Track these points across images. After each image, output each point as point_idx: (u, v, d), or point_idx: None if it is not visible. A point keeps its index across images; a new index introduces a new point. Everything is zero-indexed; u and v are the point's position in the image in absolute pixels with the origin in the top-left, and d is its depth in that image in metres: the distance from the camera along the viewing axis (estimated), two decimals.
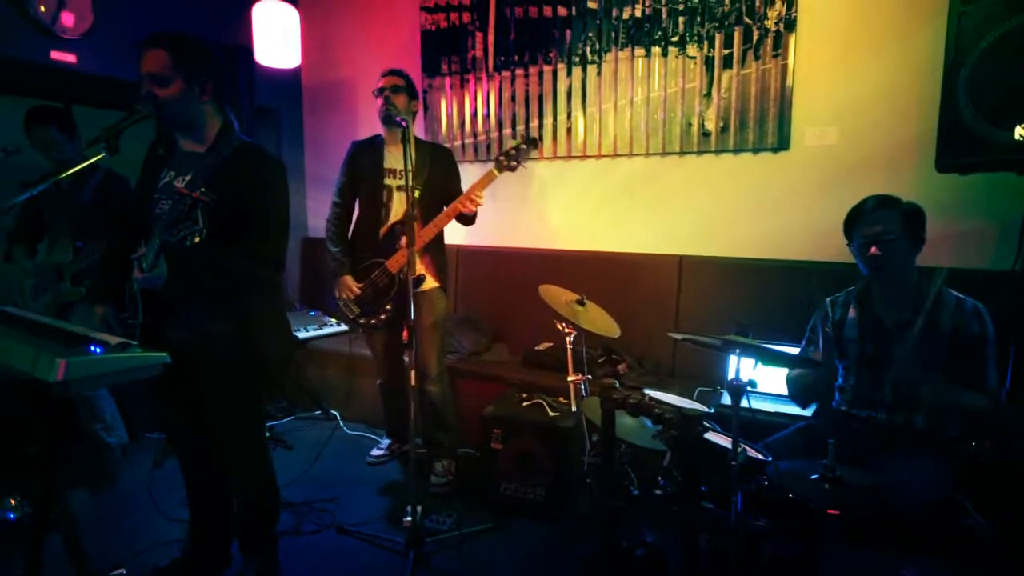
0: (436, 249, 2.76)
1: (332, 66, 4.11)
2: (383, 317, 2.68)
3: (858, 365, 2.02)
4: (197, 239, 1.57)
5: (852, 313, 2.04)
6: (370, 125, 2.79)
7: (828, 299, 2.13)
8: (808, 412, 2.40)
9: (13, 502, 2.37)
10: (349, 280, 2.72)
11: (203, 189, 1.58)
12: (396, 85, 2.65)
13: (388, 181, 2.70)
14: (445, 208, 2.63)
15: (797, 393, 2.10)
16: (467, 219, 2.70)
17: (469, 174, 2.85)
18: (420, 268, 2.66)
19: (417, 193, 2.63)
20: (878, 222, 1.88)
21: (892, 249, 1.86)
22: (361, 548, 2.32)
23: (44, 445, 1.52)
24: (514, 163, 2.61)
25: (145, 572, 2.07)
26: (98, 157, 1.69)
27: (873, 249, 1.88)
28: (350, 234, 2.84)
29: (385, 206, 2.70)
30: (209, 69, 1.78)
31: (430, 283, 2.70)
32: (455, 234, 2.85)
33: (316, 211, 4.32)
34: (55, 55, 2.97)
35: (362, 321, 2.74)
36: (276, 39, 3.34)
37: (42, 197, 2.42)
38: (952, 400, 1.82)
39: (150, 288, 1.68)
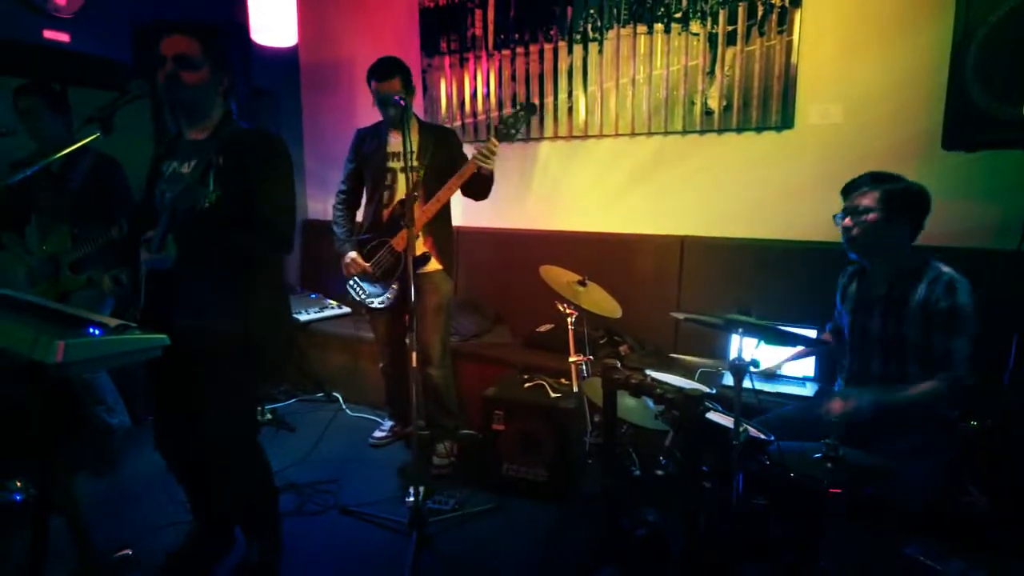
0: (441, 230, 2.74)
1: (330, 45, 4.04)
2: (390, 296, 2.69)
3: (851, 341, 2.02)
4: (207, 204, 1.59)
5: (853, 287, 2.04)
6: (369, 107, 2.76)
7: (842, 272, 2.12)
8: (810, 392, 2.41)
9: (19, 484, 2.39)
10: (355, 255, 2.72)
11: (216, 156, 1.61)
12: (394, 93, 2.52)
13: (391, 164, 2.71)
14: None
15: None
16: (484, 182, 2.60)
17: (470, 154, 2.81)
18: (424, 248, 2.65)
19: (422, 173, 2.62)
20: (858, 197, 1.88)
21: (864, 225, 1.85)
22: (364, 528, 2.34)
23: (43, 428, 1.52)
24: (513, 131, 2.57)
25: (150, 554, 2.08)
26: (92, 138, 1.67)
27: (847, 220, 1.90)
28: (359, 219, 2.86)
29: (389, 188, 2.71)
30: (231, 63, 1.83)
31: (434, 265, 2.69)
32: (455, 216, 2.82)
33: (315, 194, 4.28)
34: (48, 34, 2.92)
35: (369, 302, 2.75)
36: (272, 16, 3.27)
37: (31, 180, 2.38)
38: (898, 402, 1.79)
39: (158, 268, 1.70)
